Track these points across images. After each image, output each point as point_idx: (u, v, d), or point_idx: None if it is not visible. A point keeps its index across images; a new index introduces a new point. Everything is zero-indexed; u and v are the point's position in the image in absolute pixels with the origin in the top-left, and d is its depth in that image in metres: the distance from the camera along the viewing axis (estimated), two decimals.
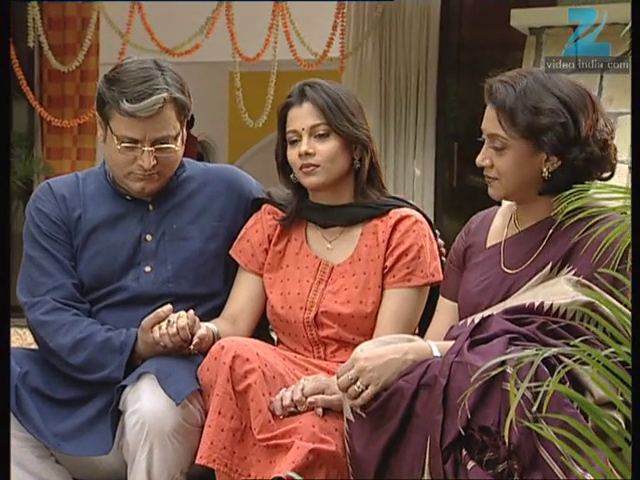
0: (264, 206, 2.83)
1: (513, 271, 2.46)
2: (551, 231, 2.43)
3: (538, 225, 2.47)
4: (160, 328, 2.54)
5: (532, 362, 1.74)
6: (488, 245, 2.55)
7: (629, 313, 1.62)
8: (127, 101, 2.61)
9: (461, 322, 2.42)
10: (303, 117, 2.70)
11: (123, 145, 2.66)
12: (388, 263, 2.70)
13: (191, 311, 2.58)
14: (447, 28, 7.78)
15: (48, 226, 2.74)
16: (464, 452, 2.16)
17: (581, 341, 1.65)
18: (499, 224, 2.57)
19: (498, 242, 2.53)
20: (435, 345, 2.33)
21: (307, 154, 2.68)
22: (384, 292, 2.69)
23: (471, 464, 2.15)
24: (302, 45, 7.31)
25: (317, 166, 2.68)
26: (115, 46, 7.10)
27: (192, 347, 2.54)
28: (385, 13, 7.74)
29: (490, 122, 2.43)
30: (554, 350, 1.56)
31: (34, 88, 7.90)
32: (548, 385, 1.58)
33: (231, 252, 2.80)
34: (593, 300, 2.14)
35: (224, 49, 7.33)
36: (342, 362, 2.60)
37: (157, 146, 2.66)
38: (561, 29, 6.29)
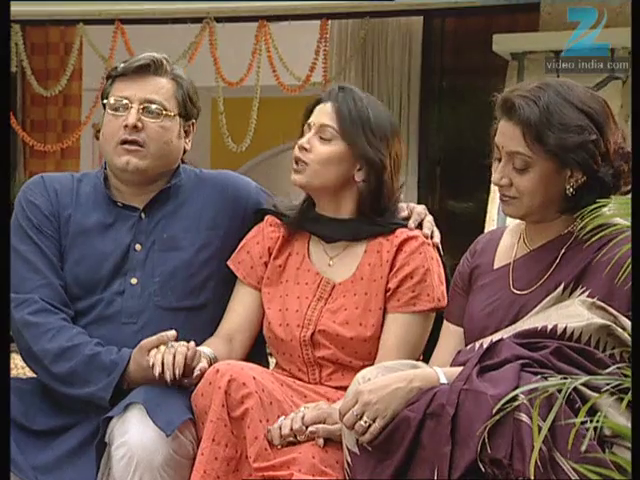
0: (266, 217, 2.72)
1: (523, 292, 2.36)
2: (564, 250, 2.34)
3: (550, 244, 2.37)
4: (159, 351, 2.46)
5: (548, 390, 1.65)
6: (496, 266, 2.45)
7: None
8: (123, 64, 2.68)
9: (469, 347, 2.33)
10: (321, 114, 2.62)
11: (114, 107, 2.65)
12: (391, 285, 2.58)
13: (192, 343, 2.49)
14: (429, 54, 7.78)
15: (39, 219, 2.67)
16: None
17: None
18: (507, 244, 2.47)
19: (507, 263, 2.43)
20: (442, 372, 2.23)
21: (302, 148, 2.59)
22: (388, 316, 2.58)
23: None
24: (285, 70, 7.28)
25: (306, 164, 2.58)
26: (98, 71, 7.05)
27: (187, 381, 2.44)
28: (368, 39, 7.73)
29: (510, 139, 2.31)
30: (582, 379, 1.47)
31: (17, 112, 7.87)
32: (591, 421, 1.47)
33: (229, 263, 2.69)
34: (609, 323, 2.06)
35: (207, 74, 7.29)
36: (338, 387, 2.54)
37: (145, 105, 2.64)
38: (543, 54, 6.29)
